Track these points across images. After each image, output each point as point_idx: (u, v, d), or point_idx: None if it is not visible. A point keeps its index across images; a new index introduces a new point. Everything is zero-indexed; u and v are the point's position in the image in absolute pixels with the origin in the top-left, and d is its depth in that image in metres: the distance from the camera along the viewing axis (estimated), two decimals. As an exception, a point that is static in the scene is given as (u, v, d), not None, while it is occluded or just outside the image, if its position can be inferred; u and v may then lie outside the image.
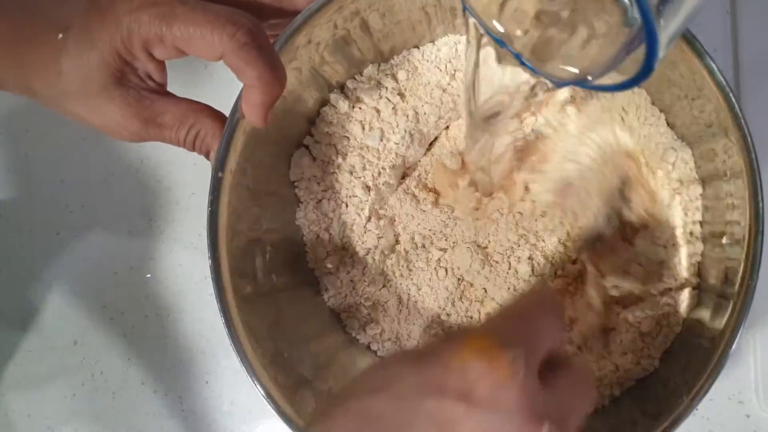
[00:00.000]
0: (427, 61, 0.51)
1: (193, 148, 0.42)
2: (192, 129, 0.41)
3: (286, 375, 0.44)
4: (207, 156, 0.42)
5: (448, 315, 0.49)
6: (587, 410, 0.32)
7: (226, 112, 0.42)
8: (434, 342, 0.35)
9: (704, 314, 0.44)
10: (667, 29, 0.24)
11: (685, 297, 0.46)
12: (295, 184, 0.50)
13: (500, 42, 0.30)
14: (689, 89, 0.43)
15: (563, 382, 0.31)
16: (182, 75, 0.42)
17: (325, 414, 0.31)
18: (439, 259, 0.50)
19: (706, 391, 0.39)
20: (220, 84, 0.57)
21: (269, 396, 0.42)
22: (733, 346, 0.38)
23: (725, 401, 0.52)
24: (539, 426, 0.28)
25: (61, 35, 0.37)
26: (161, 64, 0.39)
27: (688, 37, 0.39)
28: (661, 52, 0.25)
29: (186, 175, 0.59)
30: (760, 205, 0.39)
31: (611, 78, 0.28)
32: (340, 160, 0.50)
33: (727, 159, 0.42)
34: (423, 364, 0.30)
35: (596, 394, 0.32)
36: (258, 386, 0.42)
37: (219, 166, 0.42)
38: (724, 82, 0.39)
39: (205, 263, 0.42)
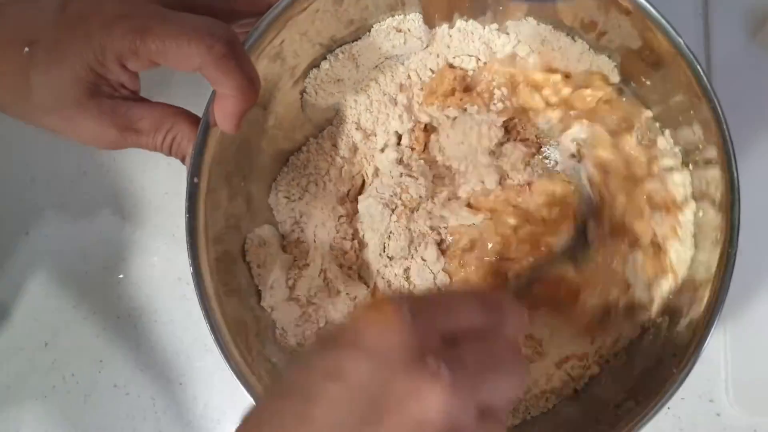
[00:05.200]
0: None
1: (170, 153, 0.42)
2: (169, 134, 0.40)
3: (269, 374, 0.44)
4: (183, 161, 0.42)
5: None
6: (512, 388, 0.31)
7: (197, 112, 0.42)
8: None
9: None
10: None
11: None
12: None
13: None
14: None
15: (476, 347, 0.31)
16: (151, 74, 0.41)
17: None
18: None
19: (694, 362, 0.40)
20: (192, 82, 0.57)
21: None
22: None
23: (696, 400, 0.53)
24: (423, 361, 0.29)
25: (27, 48, 0.37)
26: (134, 74, 0.39)
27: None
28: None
29: (159, 175, 0.59)
30: (734, 175, 0.40)
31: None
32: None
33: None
34: (326, 336, 0.32)
35: (524, 374, 0.32)
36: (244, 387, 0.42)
37: (194, 171, 0.42)
38: (691, 56, 0.41)
39: (179, 263, 0.42)
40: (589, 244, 0.49)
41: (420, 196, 0.50)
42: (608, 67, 0.48)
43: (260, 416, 0.32)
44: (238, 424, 0.32)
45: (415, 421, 0.28)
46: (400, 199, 0.50)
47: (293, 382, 0.31)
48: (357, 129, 0.52)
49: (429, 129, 0.53)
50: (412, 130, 0.52)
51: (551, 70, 0.50)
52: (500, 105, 0.51)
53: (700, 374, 0.53)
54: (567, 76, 0.50)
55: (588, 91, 0.49)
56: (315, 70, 0.50)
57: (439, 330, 0.30)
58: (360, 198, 0.51)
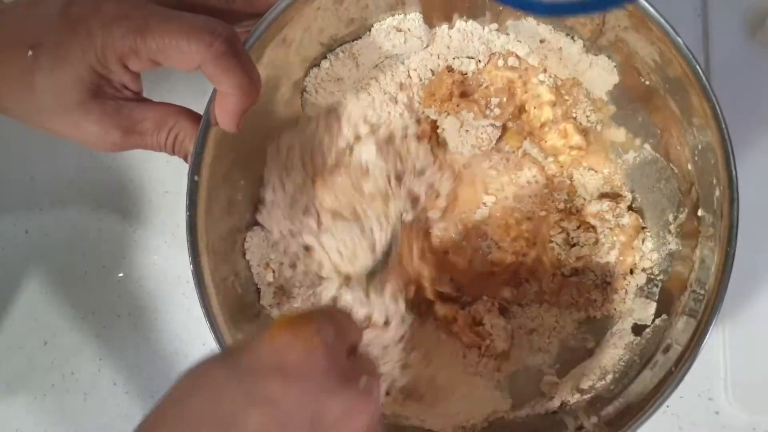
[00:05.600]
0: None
1: (173, 152, 0.42)
2: (171, 132, 0.41)
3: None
4: (186, 159, 0.42)
5: None
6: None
7: (198, 109, 0.42)
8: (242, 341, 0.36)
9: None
10: None
11: None
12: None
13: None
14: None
15: (362, 356, 0.33)
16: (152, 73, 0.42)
17: None
18: None
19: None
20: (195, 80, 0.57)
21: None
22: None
23: (695, 398, 0.53)
24: (355, 382, 0.29)
25: (31, 52, 0.37)
26: (136, 75, 0.39)
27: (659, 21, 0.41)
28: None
29: (159, 174, 0.59)
30: (733, 173, 0.41)
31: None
32: None
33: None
34: (232, 357, 0.31)
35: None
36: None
37: (195, 170, 0.42)
38: (690, 55, 0.41)
39: (179, 262, 0.42)
40: None
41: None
42: (608, 66, 0.48)
43: None
44: None
45: None
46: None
47: (203, 407, 0.30)
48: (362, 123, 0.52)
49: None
50: (418, 121, 0.52)
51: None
52: (497, 111, 0.51)
53: (700, 373, 0.53)
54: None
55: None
56: (315, 69, 0.50)
57: (346, 346, 0.32)
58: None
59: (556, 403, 0.47)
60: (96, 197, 0.59)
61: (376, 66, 0.52)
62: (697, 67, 0.41)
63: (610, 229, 0.51)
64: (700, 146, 0.43)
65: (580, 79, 0.51)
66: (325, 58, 0.50)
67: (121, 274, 0.58)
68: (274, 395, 0.29)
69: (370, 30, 0.51)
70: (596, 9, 0.26)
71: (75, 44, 0.36)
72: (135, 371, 0.57)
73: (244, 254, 0.49)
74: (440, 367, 0.51)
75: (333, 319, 0.32)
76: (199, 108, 0.42)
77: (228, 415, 0.29)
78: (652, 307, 0.49)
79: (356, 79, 0.51)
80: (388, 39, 0.50)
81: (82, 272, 0.58)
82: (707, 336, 0.39)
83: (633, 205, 0.52)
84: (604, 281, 0.51)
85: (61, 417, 0.58)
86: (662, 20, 0.41)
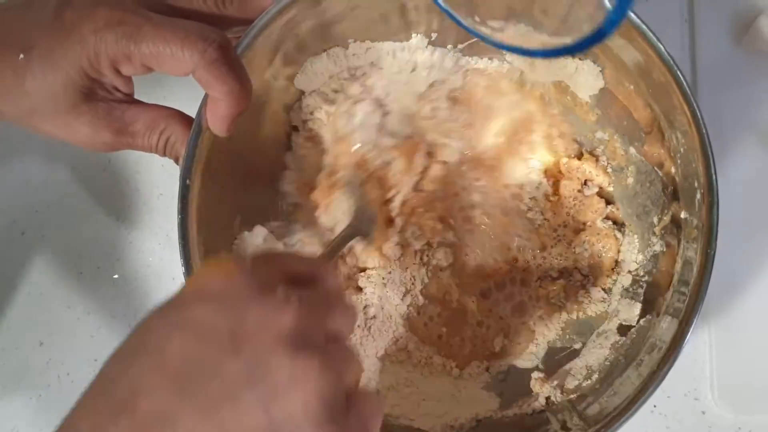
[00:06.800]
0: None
1: (164, 154, 0.42)
2: (163, 134, 0.41)
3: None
4: (177, 161, 0.43)
5: None
6: (348, 322, 0.33)
7: (190, 113, 0.42)
8: None
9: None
10: None
11: None
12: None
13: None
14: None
15: (312, 290, 0.32)
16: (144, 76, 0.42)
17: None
18: None
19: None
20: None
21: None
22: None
23: (681, 398, 0.54)
24: (272, 291, 0.30)
25: (22, 55, 0.37)
26: (128, 78, 0.39)
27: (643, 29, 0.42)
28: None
29: (153, 176, 0.59)
30: (713, 177, 0.41)
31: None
32: None
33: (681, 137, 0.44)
34: (164, 303, 0.31)
35: (355, 313, 0.35)
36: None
37: (186, 174, 0.42)
38: (672, 61, 0.42)
39: (173, 264, 0.43)
40: None
41: None
42: (594, 71, 0.49)
43: (106, 375, 0.31)
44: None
45: (272, 342, 0.29)
46: None
47: (134, 343, 0.31)
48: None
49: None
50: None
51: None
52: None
53: (686, 373, 0.54)
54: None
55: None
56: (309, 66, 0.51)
57: (279, 274, 0.31)
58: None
59: (542, 402, 0.48)
60: (91, 199, 0.59)
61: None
62: (679, 72, 0.41)
63: (597, 231, 0.52)
64: (682, 150, 0.44)
65: (567, 83, 0.51)
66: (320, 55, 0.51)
67: (116, 276, 0.59)
68: (193, 317, 0.29)
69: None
70: (578, 51, 0.28)
71: (67, 48, 0.37)
72: (130, 372, 0.58)
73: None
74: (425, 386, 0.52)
75: (258, 255, 0.34)
76: (191, 112, 0.42)
77: (153, 344, 0.29)
78: (637, 308, 0.49)
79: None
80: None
81: (78, 274, 0.59)
82: (688, 335, 0.40)
83: (618, 208, 0.53)
84: (590, 283, 0.52)
85: (57, 417, 0.57)
86: (644, 26, 0.42)
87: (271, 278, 0.31)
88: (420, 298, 0.53)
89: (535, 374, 0.50)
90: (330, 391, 0.29)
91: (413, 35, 0.51)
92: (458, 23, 0.31)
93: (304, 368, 0.28)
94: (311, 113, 0.51)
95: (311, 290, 0.32)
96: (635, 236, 0.52)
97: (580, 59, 0.49)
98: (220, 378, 0.28)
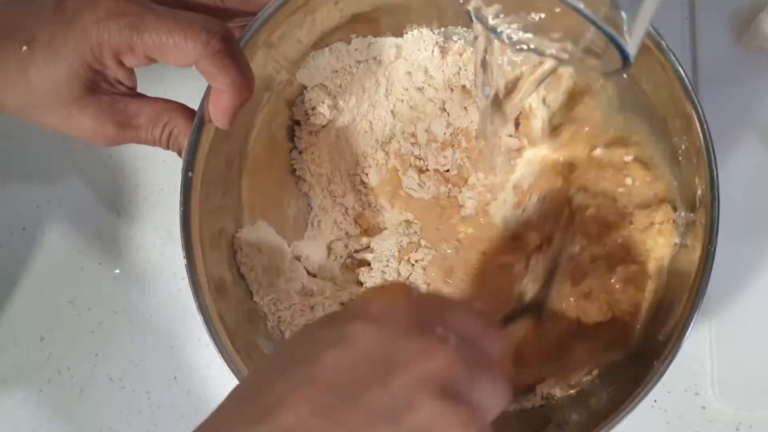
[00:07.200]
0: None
1: (167, 147, 0.42)
2: (166, 127, 0.41)
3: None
4: (180, 154, 0.43)
5: None
6: (499, 392, 0.31)
7: (193, 106, 0.42)
8: None
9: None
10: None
11: None
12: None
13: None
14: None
15: (473, 346, 0.31)
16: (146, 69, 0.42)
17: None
18: None
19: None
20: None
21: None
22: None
23: (681, 393, 0.54)
24: (431, 329, 0.29)
25: (25, 47, 0.37)
26: (131, 70, 0.39)
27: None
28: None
29: (154, 171, 0.59)
30: (714, 173, 0.41)
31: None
32: None
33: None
34: (332, 313, 0.33)
35: (509, 388, 0.32)
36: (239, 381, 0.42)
37: (189, 166, 0.42)
38: (673, 57, 0.42)
39: (174, 259, 0.43)
40: None
41: None
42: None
43: (254, 382, 0.31)
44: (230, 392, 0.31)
45: (421, 378, 0.28)
46: None
47: (292, 350, 0.31)
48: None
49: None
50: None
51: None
52: None
53: (686, 368, 0.54)
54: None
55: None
56: (311, 60, 0.51)
57: (445, 315, 0.31)
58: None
59: (542, 397, 0.48)
60: (92, 195, 0.59)
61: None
62: (681, 69, 0.42)
63: None
64: (683, 146, 0.44)
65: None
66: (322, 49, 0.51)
67: (117, 271, 0.59)
68: (353, 336, 0.29)
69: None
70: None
71: (70, 40, 0.37)
72: (130, 367, 0.58)
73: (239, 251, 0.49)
74: None
75: (426, 294, 0.34)
76: (194, 104, 0.43)
77: (310, 353, 0.30)
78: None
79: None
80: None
81: (78, 269, 0.59)
82: (688, 330, 0.40)
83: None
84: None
85: (57, 412, 0.58)
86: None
87: (436, 316, 0.31)
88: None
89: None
90: None
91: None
92: None
93: (447, 417, 0.28)
94: (313, 108, 0.51)
95: (471, 344, 0.31)
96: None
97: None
98: (364, 406, 0.28)
